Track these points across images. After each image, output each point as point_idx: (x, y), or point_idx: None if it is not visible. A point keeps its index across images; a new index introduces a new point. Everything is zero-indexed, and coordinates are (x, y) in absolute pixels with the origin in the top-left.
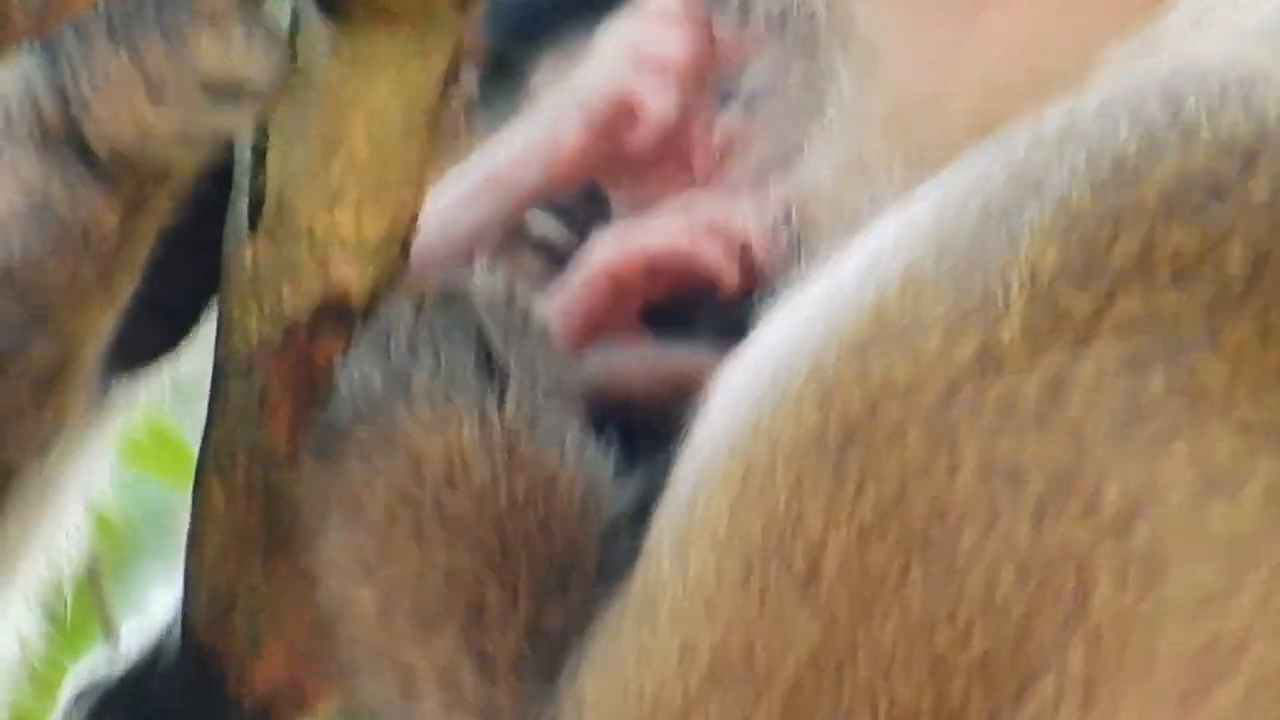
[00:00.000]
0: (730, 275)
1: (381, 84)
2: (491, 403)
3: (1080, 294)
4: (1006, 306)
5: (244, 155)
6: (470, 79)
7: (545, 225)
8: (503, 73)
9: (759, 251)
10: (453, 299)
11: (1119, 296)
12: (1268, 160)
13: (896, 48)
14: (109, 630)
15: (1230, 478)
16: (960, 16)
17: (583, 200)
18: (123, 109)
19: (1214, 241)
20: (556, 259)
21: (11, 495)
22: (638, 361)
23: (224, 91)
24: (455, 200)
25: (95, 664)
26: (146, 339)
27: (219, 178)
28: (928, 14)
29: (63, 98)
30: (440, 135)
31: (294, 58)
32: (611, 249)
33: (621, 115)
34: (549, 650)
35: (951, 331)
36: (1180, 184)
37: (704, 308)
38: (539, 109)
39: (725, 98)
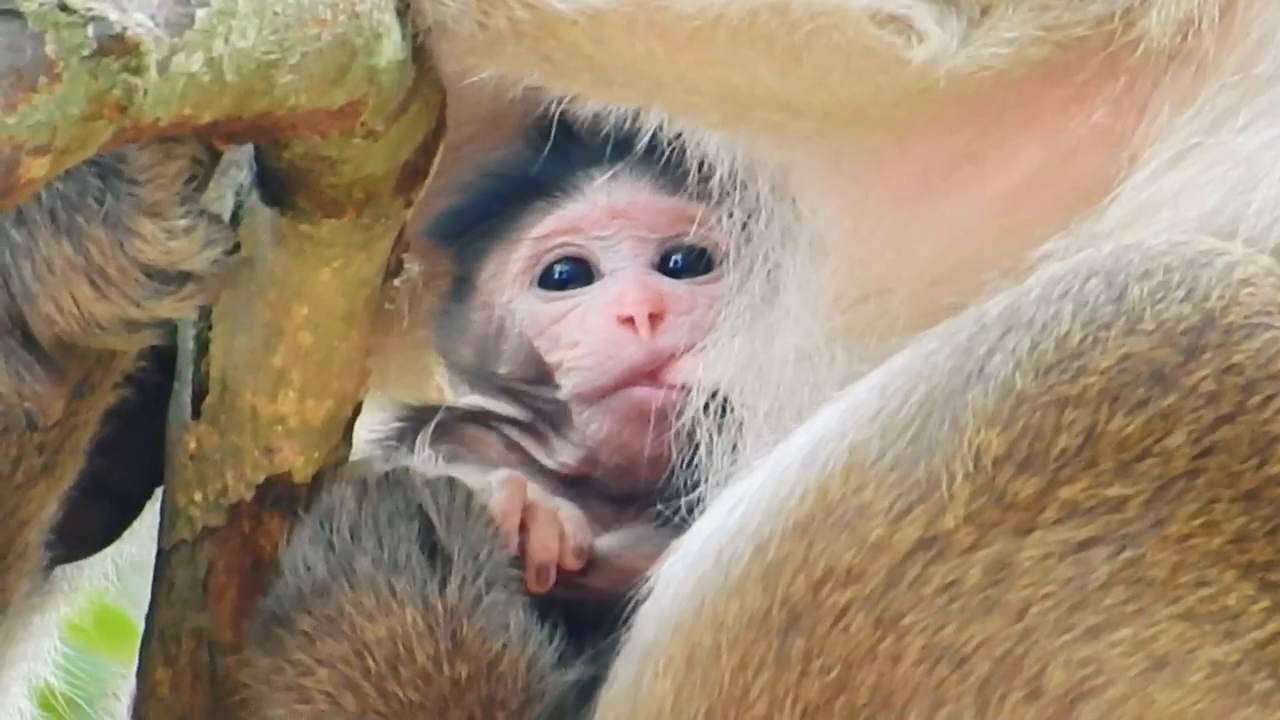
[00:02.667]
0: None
1: (325, 272)
2: (434, 587)
3: (1024, 480)
4: (950, 493)
5: (187, 343)
6: (413, 266)
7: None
8: (455, 283)
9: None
10: (395, 484)
11: (1063, 483)
12: (1212, 349)
13: (839, 240)
14: None
15: (1174, 662)
16: (901, 209)
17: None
18: (66, 297)
19: (1158, 431)
20: (502, 434)
21: None
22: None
23: (167, 280)
24: None
25: None
26: (91, 524)
27: (161, 359)
28: (868, 208)
29: (5, 287)
30: (383, 321)
31: (238, 247)
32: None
33: None
34: None
35: (895, 517)
36: (1124, 372)
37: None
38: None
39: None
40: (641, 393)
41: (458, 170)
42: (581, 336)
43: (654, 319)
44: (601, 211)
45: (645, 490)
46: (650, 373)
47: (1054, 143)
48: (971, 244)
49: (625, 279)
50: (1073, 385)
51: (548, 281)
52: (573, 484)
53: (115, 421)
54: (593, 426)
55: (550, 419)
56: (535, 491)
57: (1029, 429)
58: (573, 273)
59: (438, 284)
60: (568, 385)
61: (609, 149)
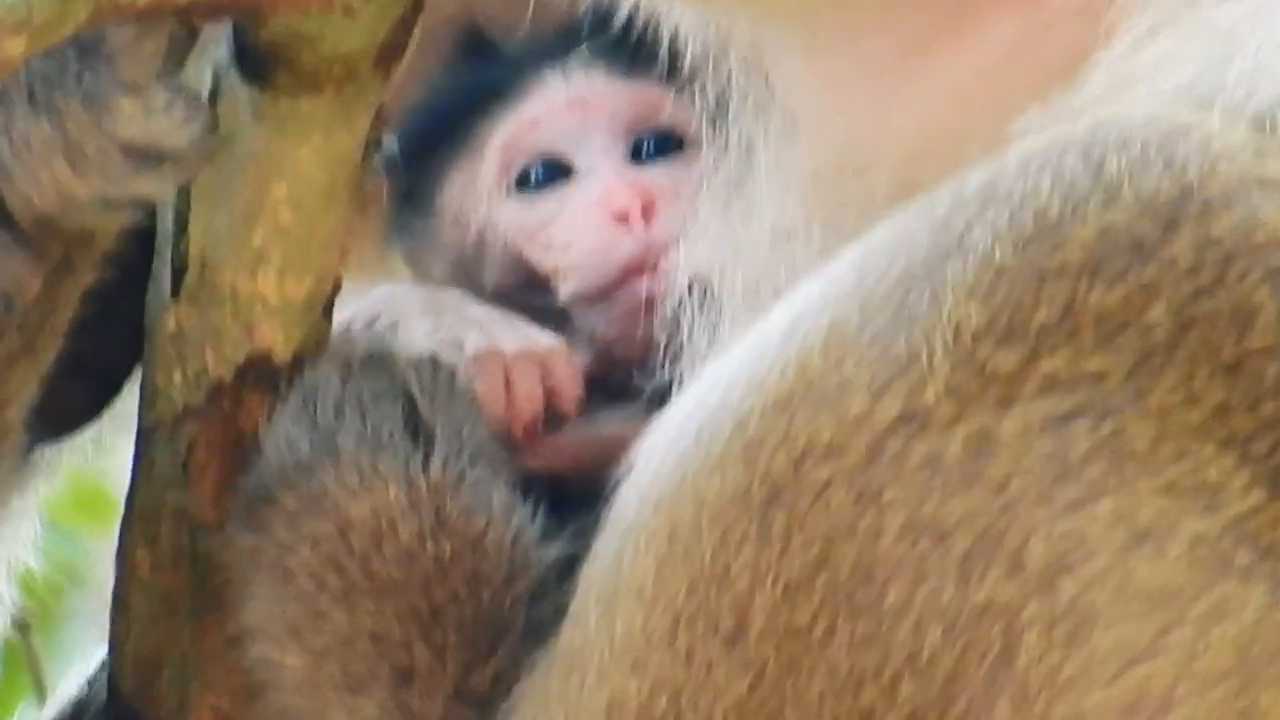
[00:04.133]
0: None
1: (305, 149)
2: (418, 465)
3: (1004, 353)
4: (930, 366)
5: (166, 222)
6: (391, 142)
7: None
8: (411, 199)
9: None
10: (379, 363)
11: (1043, 356)
12: (1191, 221)
13: (815, 117)
14: (40, 686)
15: (1155, 536)
16: (879, 84)
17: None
18: (44, 176)
19: (1138, 302)
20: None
21: None
22: (567, 425)
23: (146, 158)
24: None
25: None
26: (71, 403)
27: (141, 238)
28: (846, 83)
29: None
30: (363, 199)
31: (216, 124)
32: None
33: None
34: (477, 711)
35: (875, 391)
36: (1103, 244)
37: (630, 375)
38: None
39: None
40: (644, 284)
41: (431, 54)
42: (574, 238)
43: (645, 211)
44: (562, 105)
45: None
46: (648, 264)
47: (1032, 16)
48: (949, 119)
49: (607, 175)
50: (1051, 258)
51: (524, 185)
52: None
53: (95, 301)
54: (600, 326)
55: (546, 324)
56: (513, 342)
57: (1008, 302)
58: (548, 173)
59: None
60: (566, 288)
61: (552, 43)
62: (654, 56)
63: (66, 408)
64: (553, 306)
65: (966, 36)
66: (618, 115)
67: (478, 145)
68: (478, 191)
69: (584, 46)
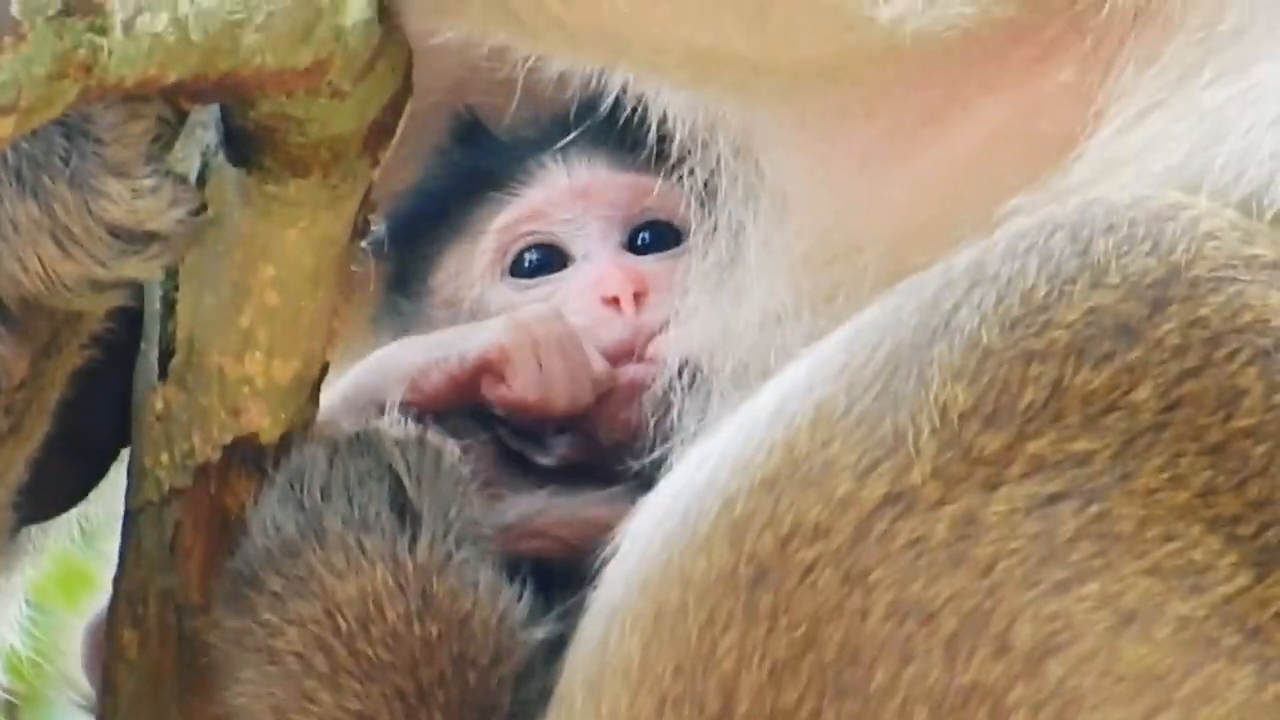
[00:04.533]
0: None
1: (292, 232)
2: (404, 546)
3: (990, 434)
4: (917, 447)
5: (154, 304)
6: (381, 225)
7: None
8: (401, 282)
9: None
10: (365, 444)
11: (1029, 437)
12: (1178, 302)
13: (805, 200)
14: None
15: (1142, 617)
16: (867, 168)
17: None
18: (31, 257)
19: (1124, 383)
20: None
21: None
22: (552, 506)
23: (133, 240)
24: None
25: None
26: (58, 484)
27: (128, 318)
28: (834, 167)
29: None
30: (350, 282)
31: (204, 207)
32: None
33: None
34: None
35: (862, 472)
36: (1090, 325)
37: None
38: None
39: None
40: (633, 369)
41: (422, 137)
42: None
43: (638, 297)
44: (563, 193)
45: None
46: (637, 350)
47: (1020, 100)
48: (939, 202)
49: (602, 261)
50: (1038, 339)
51: (519, 271)
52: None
53: (82, 381)
54: (589, 410)
55: None
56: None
57: (995, 383)
58: (543, 259)
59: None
60: None
61: (553, 132)
62: (649, 145)
63: (53, 488)
64: None
65: (954, 121)
66: (616, 205)
67: (473, 229)
68: (472, 274)
69: (583, 135)
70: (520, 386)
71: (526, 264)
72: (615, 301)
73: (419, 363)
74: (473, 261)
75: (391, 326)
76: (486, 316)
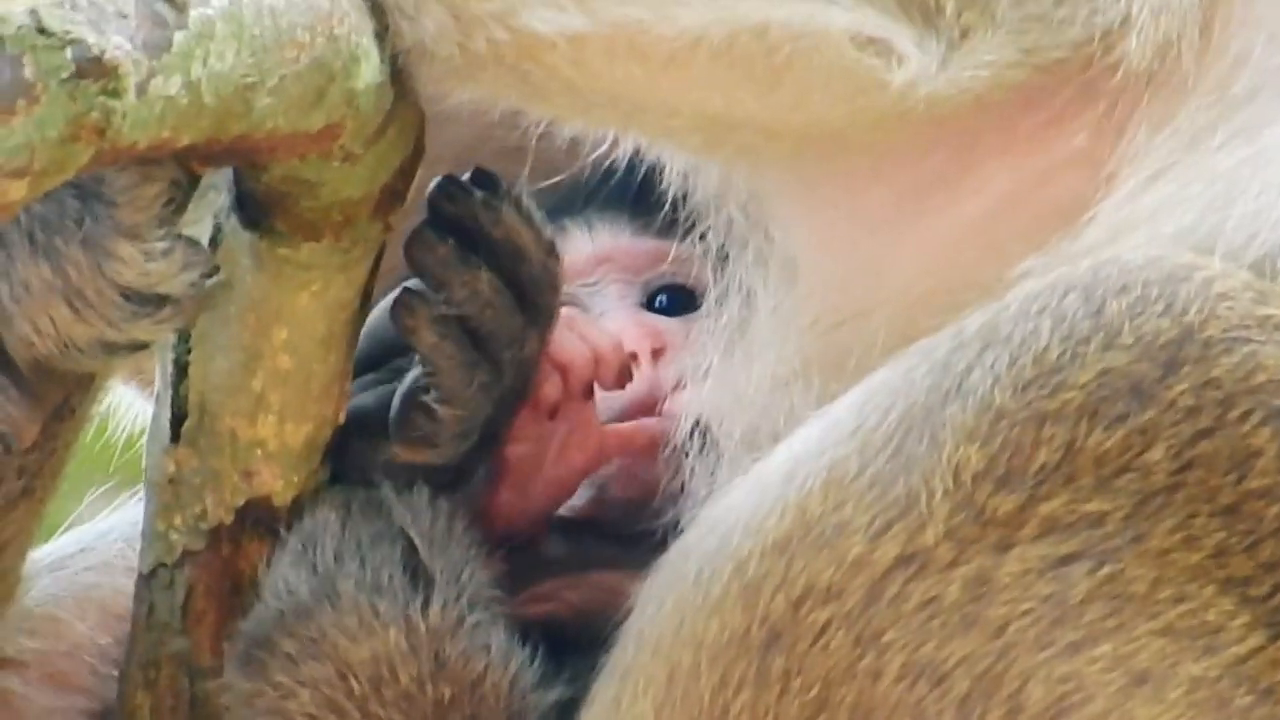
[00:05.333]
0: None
1: (304, 296)
2: (417, 609)
3: (1003, 496)
4: (929, 508)
5: (166, 367)
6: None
7: None
8: None
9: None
10: (378, 507)
11: (1042, 499)
12: (1191, 363)
13: (813, 265)
14: None
15: (1155, 678)
16: (875, 233)
17: None
18: (43, 319)
19: (1137, 444)
20: None
21: None
22: (565, 570)
23: (145, 303)
24: None
25: None
26: None
27: None
28: (842, 232)
29: None
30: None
31: (216, 270)
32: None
33: None
34: None
35: (874, 534)
36: (1103, 386)
37: (626, 524)
38: None
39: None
40: (651, 424)
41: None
42: None
43: (655, 354)
44: (587, 260)
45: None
46: (653, 405)
47: (1032, 165)
48: (948, 266)
49: (621, 318)
50: (1051, 400)
51: None
52: (573, 525)
53: None
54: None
55: None
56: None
57: (1008, 445)
58: None
59: None
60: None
61: (573, 198)
62: (666, 208)
63: None
64: None
65: (965, 185)
66: (636, 269)
67: None
68: None
69: (603, 197)
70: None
71: None
72: (633, 358)
73: None
74: None
75: None
76: None
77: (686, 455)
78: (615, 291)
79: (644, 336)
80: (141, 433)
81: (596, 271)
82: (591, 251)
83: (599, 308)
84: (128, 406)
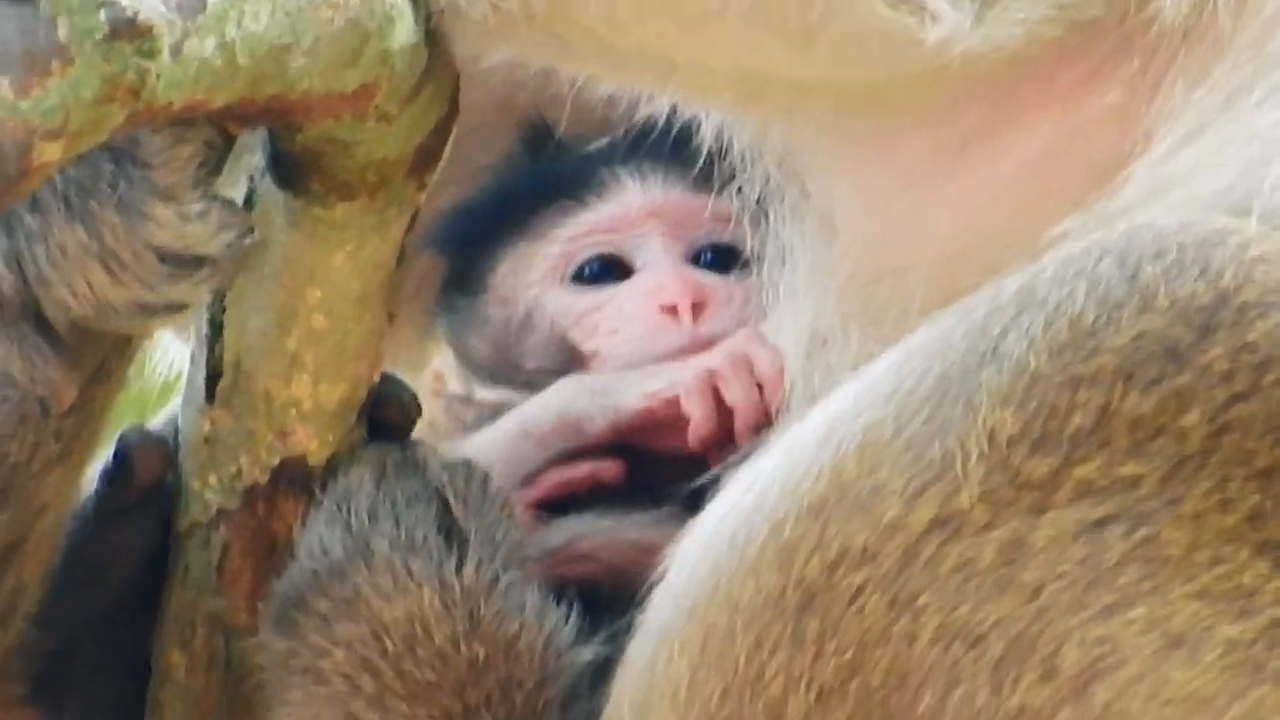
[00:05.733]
0: (702, 434)
1: (339, 256)
2: (451, 568)
3: (1038, 459)
4: (965, 472)
5: (201, 327)
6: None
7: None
8: (460, 278)
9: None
10: (413, 466)
11: (1077, 462)
12: (1226, 327)
13: (851, 221)
14: None
15: (1189, 641)
16: (913, 189)
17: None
18: (80, 282)
19: (1172, 408)
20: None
21: None
22: (599, 527)
23: (181, 264)
24: (489, 441)
25: None
26: (110, 702)
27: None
28: (880, 188)
29: (19, 272)
30: (396, 305)
31: (251, 231)
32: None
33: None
34: None
35: (910, 497)
36: (1138, 350)
37: (665, 481)
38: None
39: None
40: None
41: (467, 158)
42: (621, 324)
43: (696, 308)
44: (638, 212)
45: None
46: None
47: (1067, 121)
48: (985, 222)
49: (664, 271)
50: (1087, 364)
51: (579, 278)
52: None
53: (132, 594)
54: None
55: None
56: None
57: (1043, 408)
58: (604, 268)
59: (437, 278)
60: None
61: (624, 145)
62: (713, 164)
63: (104, 705)
64: None
65: (1000, 141)
66: (684, 225)
67: (538, 233)
68: (532, 276)
69: (654, 150)
70: (696, 440)
71: (587, 272)
72: (673, 310)
73: (587, 408)
74: (534, 264)
75: (447, 322)
76: (542, 317)
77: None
78: (660, 244)
79: (685, 290)
80: (177, 382)
81: (646, 225)
82: (643, 204)
83: (642, 259)
84: (163, 356)
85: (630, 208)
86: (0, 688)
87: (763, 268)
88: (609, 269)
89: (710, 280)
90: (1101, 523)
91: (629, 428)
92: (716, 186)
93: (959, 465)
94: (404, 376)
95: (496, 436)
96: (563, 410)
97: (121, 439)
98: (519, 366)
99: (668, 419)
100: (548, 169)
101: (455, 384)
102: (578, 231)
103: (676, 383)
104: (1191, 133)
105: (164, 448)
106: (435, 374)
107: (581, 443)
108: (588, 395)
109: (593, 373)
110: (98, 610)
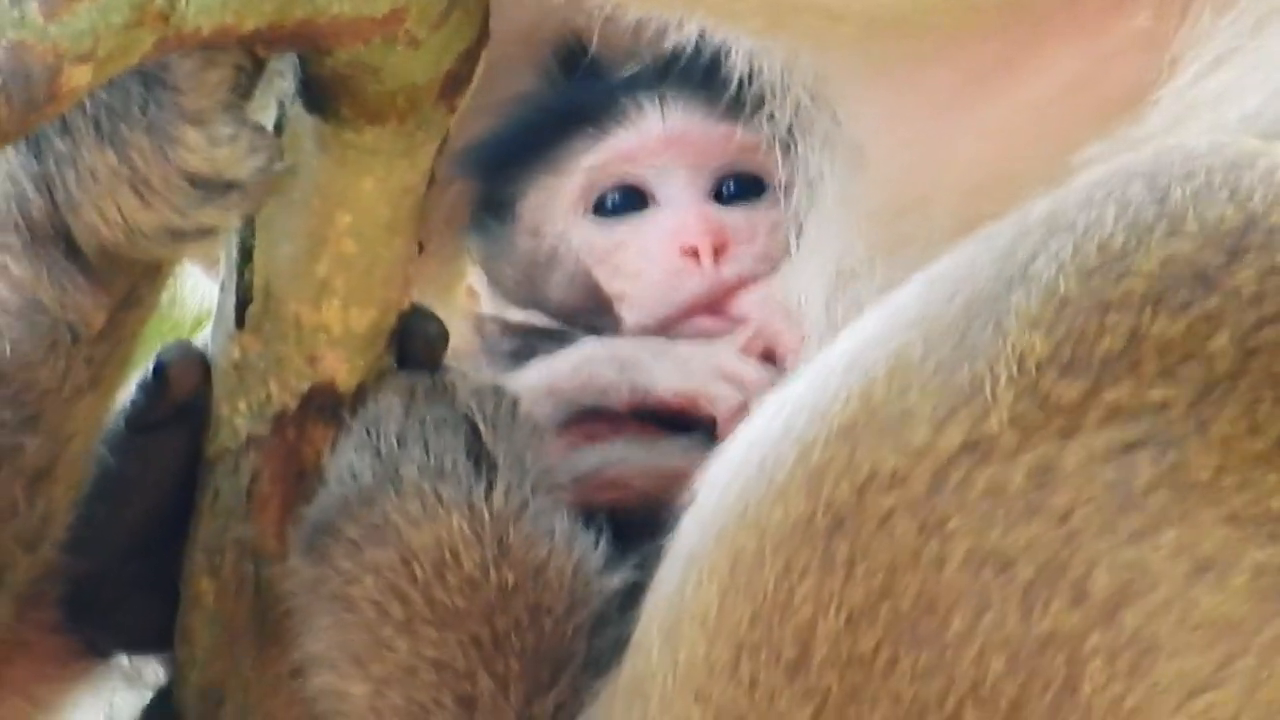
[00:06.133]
0: (730, 420)
1: (368, 180)
2: (480, 494)
3: (1067, 383)
4: (994, 396)
5: (231, 252)
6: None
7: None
8: (491, 203)
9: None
10: (442, 392)
11: (1106, 386)
12: (1255, 250)
13: (878, 150)
14: None
15: (1218, 566)
16: (940, 116)
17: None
18: (110, 207)
19: (1201, 333)
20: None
21: (4, 590)
22: (629, 454)
23: (211, 189)
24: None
25: None
26: (141, 621)
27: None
28: (907, 115)
29: (49, 195)
30: (426, 230)
31: (281, 155)
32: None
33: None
34: None
35: (939, 421)
36: (1167, 274)
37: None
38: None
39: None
40: (705, 324)
41: (497, 86)
42: (643, 266)
43: (717, 250)
44: (656, 140)
45: None
46: (713, 304)
47: (1094, 47)
48: (1012, 150)
49: (685, 209)
50: (1115, 288)
51: (600, 209)
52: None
53: (160, 520)
54: None
55: None
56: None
57: (1072, 332)
58: (626, 200)
59: (469, 201)
60: (630, 316)
61: (652, 73)
62: (740, 92)
63: (137, 624)
64: (615, 331)
65: (1028, 68)
66: (706, 154)
67: (564, 163)
68: (557, 207)
69: (679, 77)
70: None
71: (609, 204)
72: (694, 253)
73: (615, 381)
74: (559, 195)
75: (479, 245)
76: (568, 252)
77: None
78: (683, 177)
79: (706, 231)
80: (208, 315)
81: (666, 154)
82: (662, 133)
83: (664, 192)
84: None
85: (649, 136)
86: (33, 613)
87: (789, 198)
88: (630, 201)
89: (732, 217)
90: (1130, 447)
91: (653, 406)
92: (744, 115)
93: (988, 389)
94: (436, 300)
95: (521, 388)
96: (588, 380)
97: (161, 352)
98: (547, 300)
99: (693, 412)
100: (574, 96)
101: (487, 304)
102: (598, 160)
103: (705, 387)
104: (1219, 58)
105: (202, 362)
106: (469, 290)
107: (604, 405)
108: (616, 367)
109: (619, 311)
110: (128, 534)
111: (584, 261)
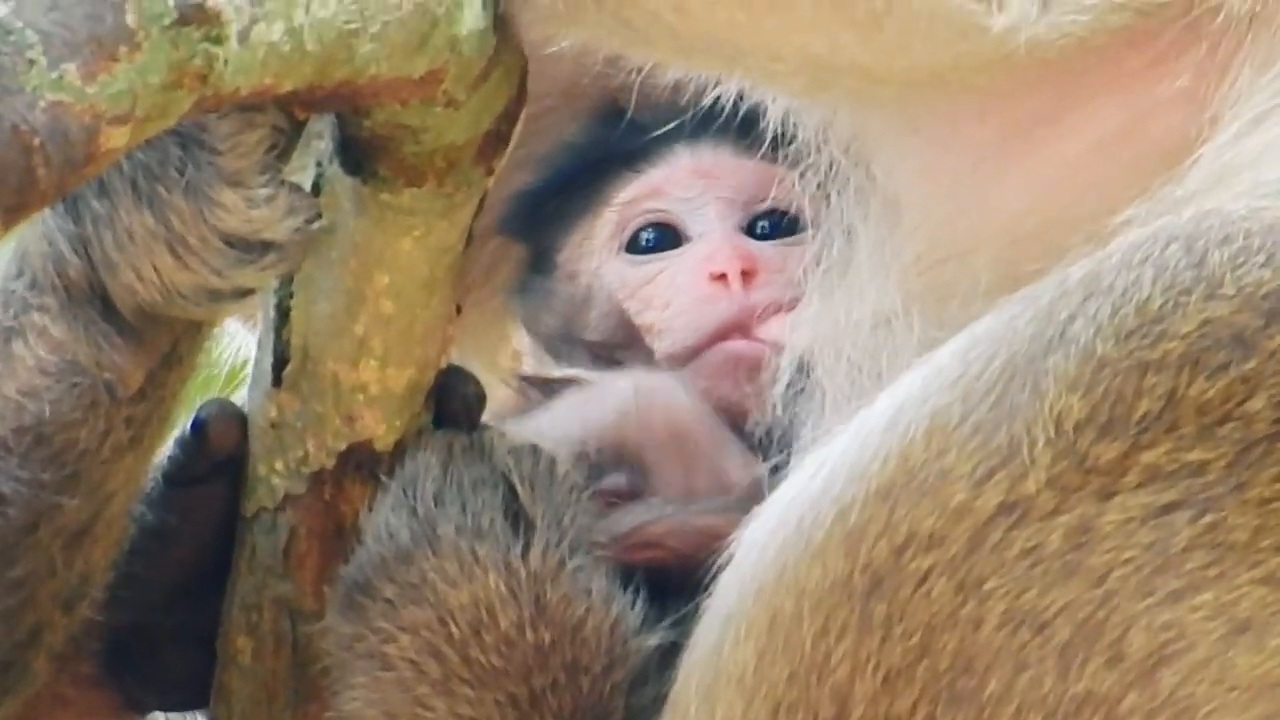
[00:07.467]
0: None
1: (406, 240)
2: (518, 553)
3: (1105, 444)
4: (1031, 457)
5: (268, 311)
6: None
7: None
8: (533, 260)
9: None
10: (479, 451)
11: (1144, 447)
12: None
13: (916, 203)
14: None
15: (1256, 627)
16: (979, 171)
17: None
18: (146, 268)
19: (1239, 395)
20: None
21: (42, 649)
22: (666, 513)
23: (249, 249)
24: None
25: None
26: (180, 676)
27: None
28: (946, 170)
29: (87, 256)
30: (464, 288)
31: (319, 216)
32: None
33: None
34: None
35: (977, 481)
36: (1204, 337)
37: None
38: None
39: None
40: (735, 346)
41: (535, 142)
42: (673, 296)
43: (746, 276)
44: (685, 172)
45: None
46: (743, 327)
47: (1134, 106)
48: (1051, 205)
49: (715, 239)
50: (1153, 350)
51: (635, 248)
52: None
53: (198, 572)
54: (692, 385)
55: None
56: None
57: (1110, 394)
58: (660, 238)
59: (511, 261)
60: (661, 346)
61: (688, 121)
62: (773, 139)
63: (175, 679)
64: (646, 363)
65: (1067, 123)
66: (737, 190)
67: (600, 204)
68: (591, 247)
69: (713, 125)
70: None
71: (643, 242)
72: (723, 279)
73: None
74: (594, 236)
75: (522, 304)
76: (601, 289)
77: (787, 395)
78: (715, 212)
79: (735, 258)
80: (244, 368)
81: (696, 186)
82: (692, 165)
83: (696, 228)
84: (228, 342)
85: (678, 169)
86: (71, 666)
87: (826, 250)
88: (663, 238)
89: (763, 248)
90: (1168, 508)
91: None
92: (778, 157)
93: (1026, 450)
94: (477, 364)
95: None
96: (614, 426)
97: (201, 408)
98: (583, 340)
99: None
100: (612, 146)
101: (529, 364)
102: (629, 197)
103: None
104: (1259, 117)
105: (241, 418)
106: (514, 354)
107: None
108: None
109: (650, 342)
110: (167, 589)
111: (616, 296)
